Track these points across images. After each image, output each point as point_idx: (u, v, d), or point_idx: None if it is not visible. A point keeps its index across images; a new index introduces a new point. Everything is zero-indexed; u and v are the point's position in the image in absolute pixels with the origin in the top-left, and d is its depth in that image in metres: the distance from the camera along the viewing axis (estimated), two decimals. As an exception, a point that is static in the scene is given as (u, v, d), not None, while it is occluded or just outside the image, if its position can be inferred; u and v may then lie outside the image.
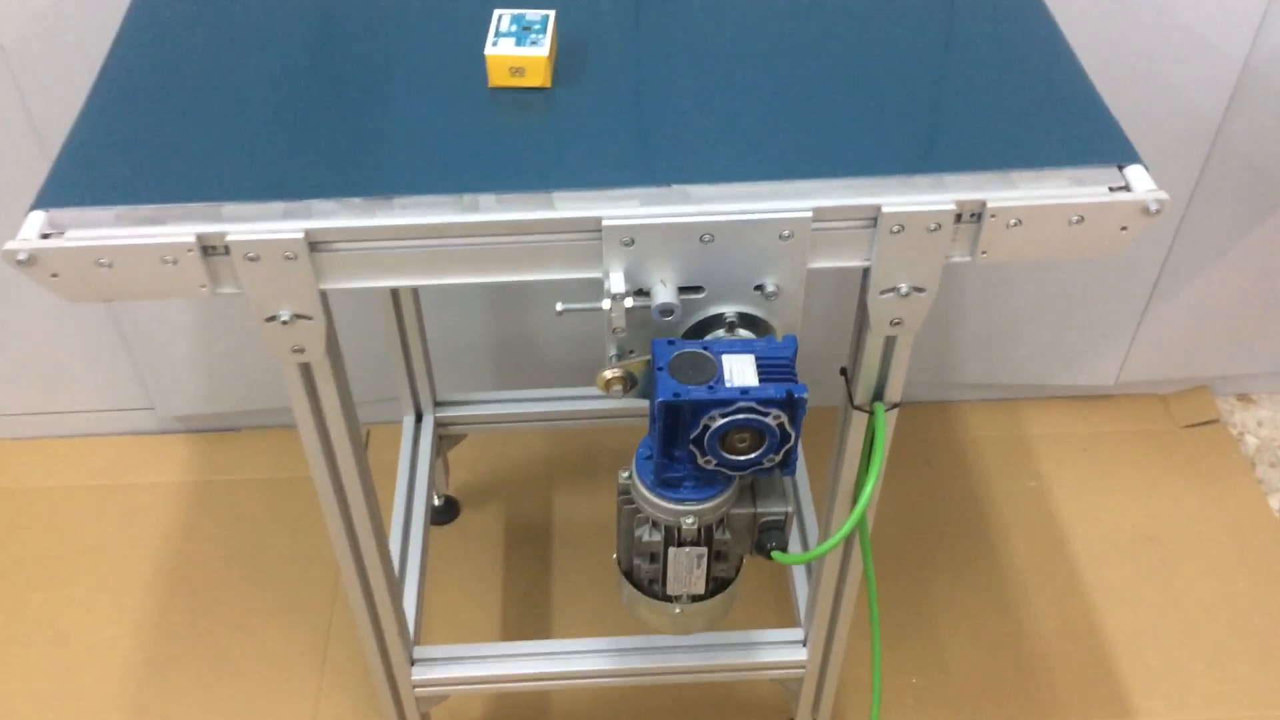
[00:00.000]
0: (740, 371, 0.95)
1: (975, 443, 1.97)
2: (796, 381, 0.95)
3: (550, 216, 0.94)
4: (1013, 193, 0.95)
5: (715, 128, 1.01)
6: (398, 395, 1.68)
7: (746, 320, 1.01)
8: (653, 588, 1.09)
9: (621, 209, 0.94)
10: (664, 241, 0.95)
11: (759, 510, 1.04)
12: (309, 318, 0.98)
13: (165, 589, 1.77)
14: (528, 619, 1.75)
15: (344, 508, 1.18)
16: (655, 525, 1.04)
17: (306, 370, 1.05)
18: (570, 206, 0.94)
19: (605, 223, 0.94)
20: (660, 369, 0.95)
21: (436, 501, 1.87)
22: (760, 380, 0.95)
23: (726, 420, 0.94)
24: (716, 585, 1.10)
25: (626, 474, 1.04)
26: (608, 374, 1.01)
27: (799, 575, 1.51)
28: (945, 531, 1.85)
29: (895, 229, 0.95)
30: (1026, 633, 1.71)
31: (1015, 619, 1.73)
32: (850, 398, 1.11)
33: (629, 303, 0.97)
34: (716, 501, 1.02)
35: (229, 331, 1.83)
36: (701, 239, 0.95)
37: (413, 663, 1.41)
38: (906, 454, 1.93)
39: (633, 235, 0.94)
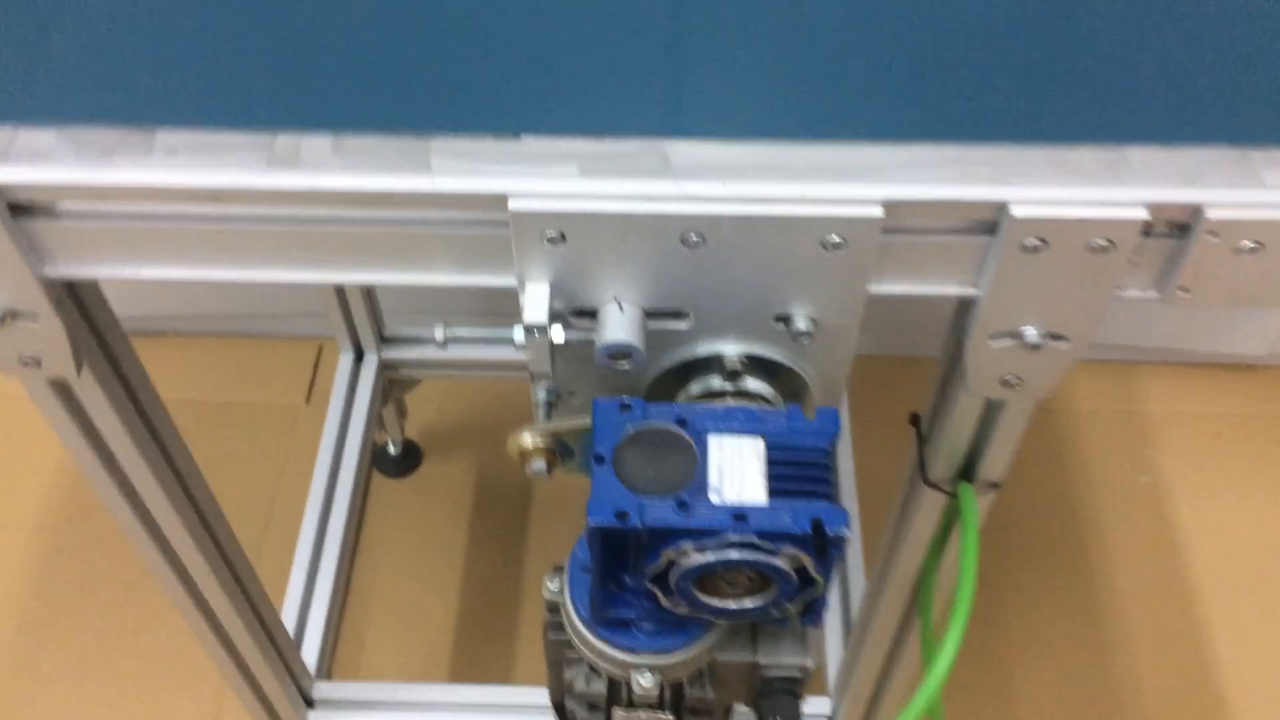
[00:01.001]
0: (737, 471, 0.56)
1: (1075, 418, 1.55)
2: (832, 498, 0.55)
3: (421, 190, 0.53)
4: (1252, 194, 0.52)
5: (719, 36, 0.58)
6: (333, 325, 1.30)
7: (759, 366, 0.60)
8: (594, 736, 0.71)
9: (542, 181, 0.53)
10: (619, 241, 0.54)
11: (762, 661, 0.65)
12: (32, 316, 0.60)
13: (53, 540, 1.44)
14: (492, 610, 1.40)
15: (176, 567, 0.82)
16: (595, 671, 0.65)
17: (64, 390, 0.67)
18: (455, 171, 0.53)
19: (514, 205, 0.53)
20: (600, 459, 0.56)
21: (393, 449, 1.52)
22: (771, 491, 0.55)
23: (707, 561, 0.55)
24: (692, 737, 0.72)
25: (555, 584, 0.65)
26: (525, 439, 0.61)
27: (831, 632, 1.14)
28: (1027, 538, 1.44)
29: (1032, 244, 0.53)
30: (1123, 681, 1.33)
31: (1109, 662, 1.35)
32: (921, 467, 0.71)
33: (559, 336, 0.57)
34: (689, 654, 0.63)
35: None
36: (686, 240, 0.54)
37: (310, 705, 1.07)
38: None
39: (563, 227, 0.54)
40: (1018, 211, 0.52)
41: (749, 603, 0.58)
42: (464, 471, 1.53)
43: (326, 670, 1.11)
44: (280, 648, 0.97)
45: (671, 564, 0.55)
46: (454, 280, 0.57)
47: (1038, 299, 0.56)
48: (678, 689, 0.65)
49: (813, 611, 0.59)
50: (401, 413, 1.46)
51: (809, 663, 0.65)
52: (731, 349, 0.60)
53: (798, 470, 0.56)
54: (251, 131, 0.54)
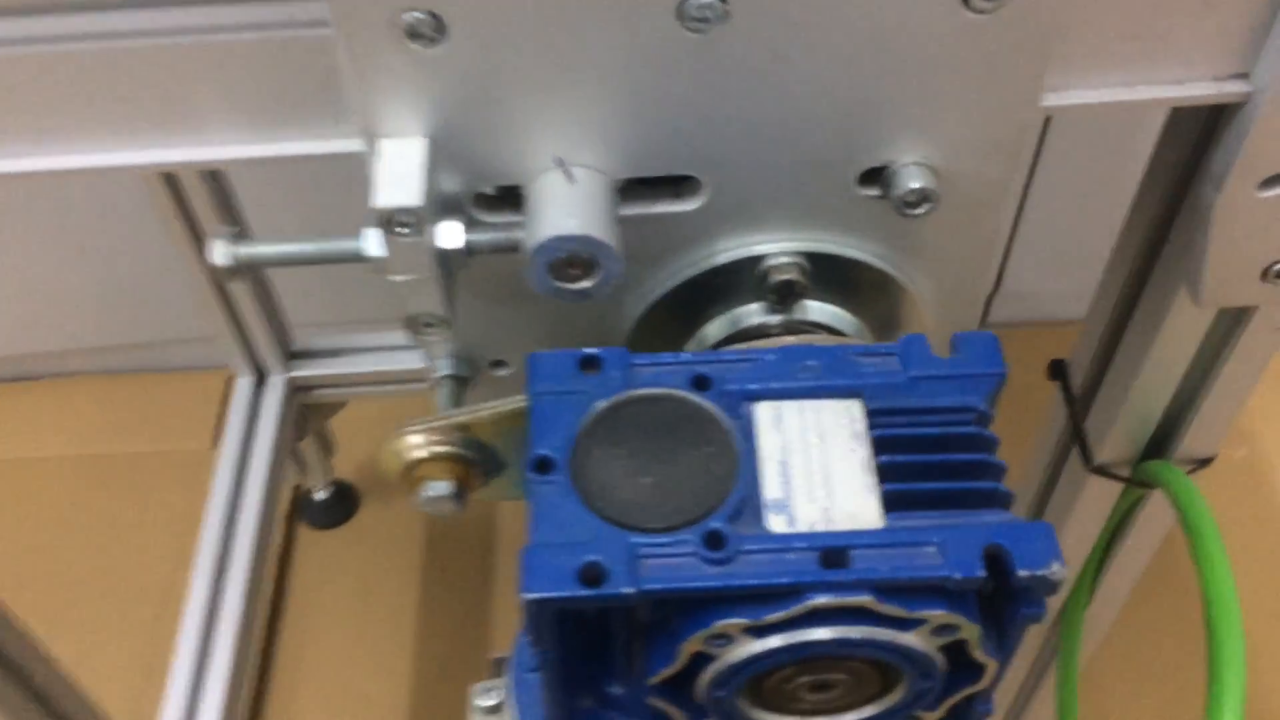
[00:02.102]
0: (817, 468, 0.28)
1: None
2: (1008, 504, 0.28)
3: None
4: None
5: None
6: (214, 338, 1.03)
7: (829, 275, 0.33)
8: None
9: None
10: (553, 30, 0.27)
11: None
12: None
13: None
14: (450, 693, 1.11)
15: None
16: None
17: None
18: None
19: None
20: (543, 464, 0.28)
21: (321, 493, 1.23)
22: (889, 501, 0.28)
23: (771, 652, 0.27)
24: None
25: (491, 696, 0.37)
26: (412, 445, 0.33)
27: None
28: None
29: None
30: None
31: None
32: (1081, 444, 0.44)
33: (452, 238, 0.30)
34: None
35: (16, 228, 1.15)
36: (689, 15, 0.26)
37: None
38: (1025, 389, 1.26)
39: (436, 4, 0.26)
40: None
41: (852, 717, 0.31)
42: (411, 515, 1.25)
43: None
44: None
45: (699, 660, 0.28)
46: (239, 154, 0.30)
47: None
48: None
49: (966, 716, 0.32)
50: (326, 446, 1.18)
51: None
52: (779, 246, 0.32)
53: (935, 457, 0.28)
54: None
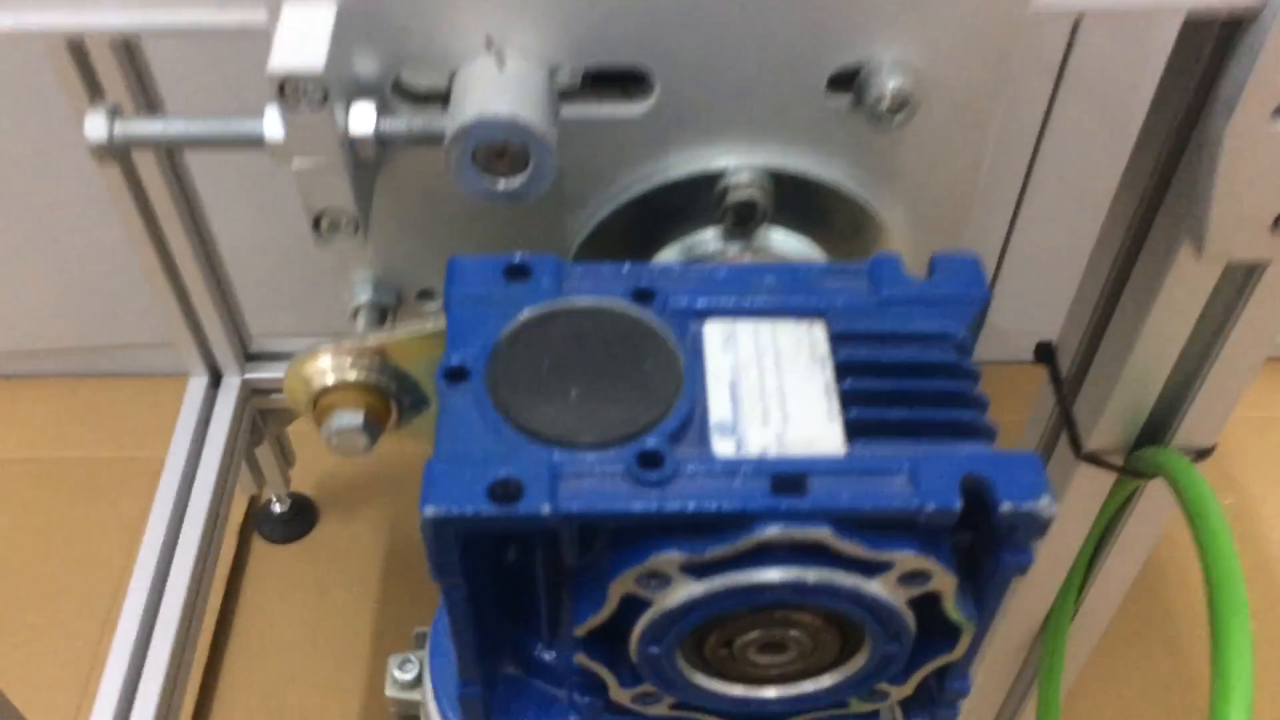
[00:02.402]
0: (771, 391, 0.25)
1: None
2: (990, 436, 0.24)
3: None
4: None
5: None
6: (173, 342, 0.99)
7: (796, 199, 0.29)
8: None
9: None
10: None
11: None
12: None
13: None
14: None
15: None
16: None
17: None
18: None
19: None
20: (457, 373, 0.24)
21: (277, 506, 1.18)
22: (852, 428, 0.24)
23: (713, 595, 0.23)
24: None
25: (410, 670, 0.33)
26: (321, 368, 0.30)
27: None
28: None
29: None
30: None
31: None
32: (1070, 429, 0.40)
33: (363, 121, 0.26)
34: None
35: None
36: None
37: None
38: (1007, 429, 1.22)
39: None
40: None
41: (809, 686, 0.27)
42: (372, 532, 1.21)
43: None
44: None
45: (631, 605, 0.24)
46: (135, 21, 0.27)
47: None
48: None
49: (939, 699, 0.28)
50: (285, 456, 1.13)
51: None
52: (738, 161, 0.29)
53: (907, 383, 0.25)
54: None
